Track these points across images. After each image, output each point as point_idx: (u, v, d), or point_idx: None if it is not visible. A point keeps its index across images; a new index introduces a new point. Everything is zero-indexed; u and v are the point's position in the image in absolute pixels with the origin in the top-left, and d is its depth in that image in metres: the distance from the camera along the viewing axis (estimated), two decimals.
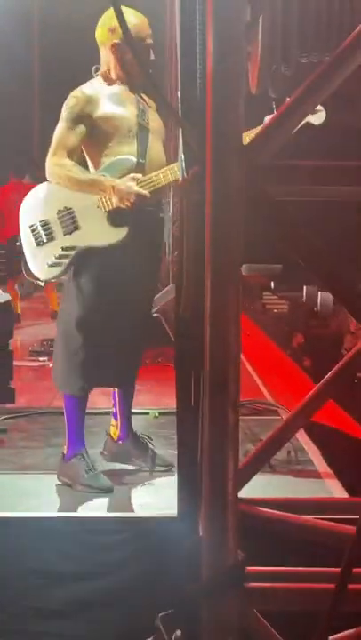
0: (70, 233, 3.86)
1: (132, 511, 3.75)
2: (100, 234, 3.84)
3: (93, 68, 4.02)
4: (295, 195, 2.15)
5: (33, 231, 3.93)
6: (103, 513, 3.69)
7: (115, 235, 3.82)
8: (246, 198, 2.02)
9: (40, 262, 3.93)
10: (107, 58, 3.97)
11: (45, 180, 3.96)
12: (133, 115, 3.92)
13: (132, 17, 3.86)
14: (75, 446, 4.06)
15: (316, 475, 4.23)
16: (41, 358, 7.48)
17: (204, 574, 1.96)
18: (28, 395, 5.68)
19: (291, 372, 7.50)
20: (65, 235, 3.87)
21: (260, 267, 12.25)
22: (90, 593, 3.29)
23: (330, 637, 2.06)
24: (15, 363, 5.02)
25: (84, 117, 3.87)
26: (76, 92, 3.93)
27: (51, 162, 3.86)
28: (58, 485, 4.00)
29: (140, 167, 3.88)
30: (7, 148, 15.29)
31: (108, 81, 3.96)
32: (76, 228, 3.87)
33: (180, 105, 2.30)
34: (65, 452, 4.08)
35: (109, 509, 3.73)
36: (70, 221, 3.87)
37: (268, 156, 2.04)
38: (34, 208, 3.97)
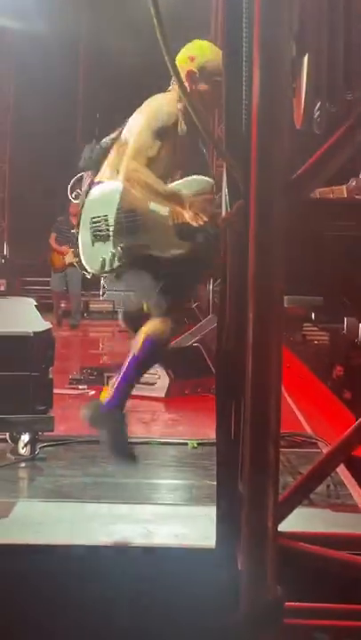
0: (132, 234, 3.93)
1: (172, 541, 3.75)
2: (164, 243, 3.95)
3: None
4: (338, 229, 2.16)
5: (94, 223, 4.00)
6: (143, 543, 3.68)
7: (178, 247, 3.95)
8: (290, 232, 2.04)
9: (94, 255, 4.01)
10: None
11: None
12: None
13: (209, 52, 4.00)
14: (121, 399, 4.08)
15: (355, 509, 4.19)
16: (80, 386, 7.53)
17: (242, 608, 1.96)
18: (67, 423, 5.70)
19: (330, 404, 7.46)
20: (127, 235, 3.94)
21: (300, 298, 12.21)
22: (126, 623, 3.29)
23: None
24: (54, 390, 5.06)
25: (167, 134, 3.96)
26: (170, 107, 3.99)
27: (130, 165, 3.93)
28: (96, 515, 4.01)
29: (213, 189, 3.99)
30: (52, 161, 15.54)
31: (181, 102, 4.00)
32: (138, 231, 3.94)
33: (224, 139, 2.34)
34: (108, 399, 4.07)
35: (148, 539, 3.74)
36: (133, 223, 3.94)
37: (313, 191, 2.06)
38: (100, 202, 4.05)
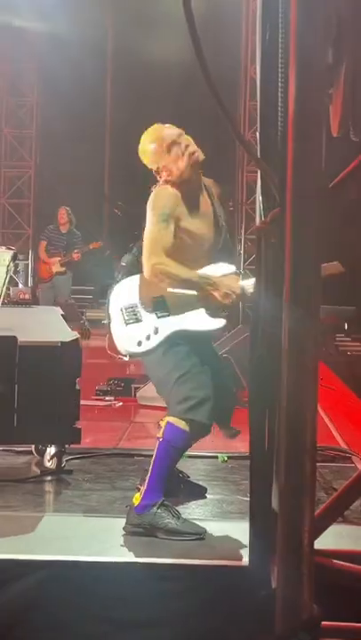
0: (163, 317, 4.15)
1: (202, 558, 3.75)
2: (200, 321, 4.17)
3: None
4: None
5: (125, 311, 4.23)
6: (172, 560, 3.68)
7: (214, 324, 4.18)
8: (329, 241, 2.05)
9: (129, 339, 4.20)
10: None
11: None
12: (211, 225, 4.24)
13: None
14: (157, 495, 4.05)
15: None
16: (107, 398, 7.55)
17: (278, 627, 1.97)
18: (94, 435, 5.73)
19: None
20: (158, 317, 4.15)
21: (332, 308, 12.19)
22: None
23: None
24: (81, 402, 5.08)
25: (174, 217, 4.10)
26: (170, 191, 4.14)
27: (150, 262, 4.04)
28: (124, 529, 4.02)
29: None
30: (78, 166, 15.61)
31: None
32: (169, 314, 4.15)
33: (259, 146, 2.35)
34: (139, 502, 4.03)
35: (178, 556, 3.74)
36: (162, 305, 4.16)
37: (349, 199, 2.07)
38: (127, 293, 4.27)
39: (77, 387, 4.95)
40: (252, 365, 2.56)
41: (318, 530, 2.23)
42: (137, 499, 4.06)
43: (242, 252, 16.09)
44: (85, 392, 5.44)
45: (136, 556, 3.74)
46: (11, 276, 8.29)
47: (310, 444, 2.07)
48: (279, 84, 2.14)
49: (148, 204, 4.15)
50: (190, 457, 5.32)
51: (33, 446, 5.12)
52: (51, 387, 4.80)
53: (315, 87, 2.08)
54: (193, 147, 4.12)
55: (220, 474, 5.07)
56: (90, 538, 3.94)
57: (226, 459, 5.34)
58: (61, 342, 4.87)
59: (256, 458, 2.51)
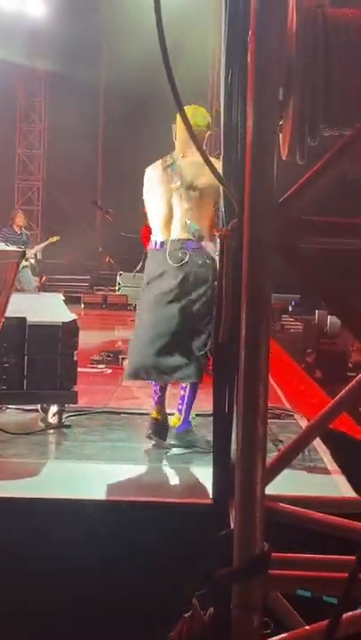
0: None
1: (170, 496, 3.71)
2: None
3: None
4: (318, 244, 2.11)
5: None
6: (151, 498, 3.63)
7: None
8: (278, 247, 1.99)
9: None
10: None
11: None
12: None
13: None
14: (189, 420, 4.43)
15: (325, 471, 4.17)
16: (100, 366, 7.49)
17: (235, 562, 1.92)
18: (88, 396, 5.67)
19: (304, 382, 7.42)
20: None
21: (280, 296, 12.18)
22: (126, 573, 3.19)
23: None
24: (78, 369, 5.02)
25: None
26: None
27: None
28: (112, 473, 3.96)
29: None
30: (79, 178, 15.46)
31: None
32: None
33: (222, 167, 2.29)
34: (180, 424, 4.41)
35: (148, 494, 3.69)
36: None
37: (298, 211, 2.01)
38: None
39: (75, 358, 4.91)
40: (216, 346, 2.51)
41: (269, 479, 2.18)
42: (176, 422, 4.31)
43: None
44: (82, 361, 5.39)
45: (118, 495, 3.69)
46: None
47: (263, 411, 2.01)
48: (239, 117, 2.08)
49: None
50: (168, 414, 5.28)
51: (39, 406, 5.06)
52: (53, 358, 4.77)
53: (269, 119, 2.01)
54: None
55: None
56: (84, 480, 3.89)
57: (195, 416, 5.29)
58: (62, 322, 4.84)
59: (218, 419, 2.47)
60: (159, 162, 4.49)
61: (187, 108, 4.28)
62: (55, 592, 3.12)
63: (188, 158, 4.36)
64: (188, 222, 4.30)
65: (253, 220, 1.98)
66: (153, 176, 4.50)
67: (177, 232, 4.37)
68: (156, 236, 4.46)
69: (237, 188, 2.10)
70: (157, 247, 4.42)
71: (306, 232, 2.04)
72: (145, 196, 4.52)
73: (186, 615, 1.99)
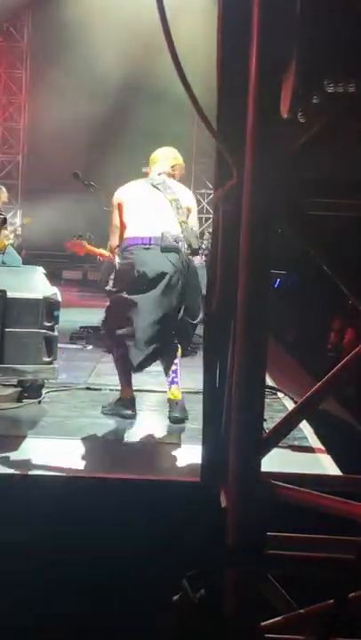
0: None
1: (158, 474, 3.62)
2: None
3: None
4: (325, 207, 1.99)
5: None
6: (128, 475, 3.52)
7: None
8: (280, 209, 1.86)
9: None
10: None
11: None
12: None
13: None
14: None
15: (310, 450, 4.11)
16: (79, 342, 7.37)
17: (228, 541, 1.81)
18: (68, 372, 5.56)
19: (286, 363, 7.35)
20: None
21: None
22: (120, 545, 3.09)
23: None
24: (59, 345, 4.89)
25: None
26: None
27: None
28: (92, 450, 3.86)
29: None
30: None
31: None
32: None
33: (217, 126, 2.15)
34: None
35: (135, 471, 3.59)
36: None
37: (307, 169, 1.89)
38: None
39: (56, 332, 4.77)
40: (206, 317, 2.39)
41: (262, 455, 2.07)
42: (178, 395, 4.48)
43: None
44: (62, 337, 5.26)
45: (100, 471, 3.59)
46: None
47: (261, 380, 1.90)
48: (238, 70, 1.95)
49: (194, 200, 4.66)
50: (148, 391, 5.18)
51: (16, 380, 4.92)
52: (33, 332, 4.62)
53: (273, 75, 1.89)
54: None
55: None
56: (63, 456, 3.76)
57: None
58: (43, 296, 4.69)
59: (208, 394, 2.35)
60: (141, 180, 4.60)
61: (167, 148, 4.73)
62: (42, 573, 3.00)
63: (172, 181, 4.63)
64: (185, 226, 4.45)
65: (257, 180, 1.85)
66: (139, 190, 4.54)
67: (169, 228, 4.43)
68: (143, 233, 4.43)
69: (236, 146, 1.97)
70: (149, 243, 4.42)
71: (310, 193, 1.91)
72: (125, 208, 4.50)
73: (175, 597, 1.88)
